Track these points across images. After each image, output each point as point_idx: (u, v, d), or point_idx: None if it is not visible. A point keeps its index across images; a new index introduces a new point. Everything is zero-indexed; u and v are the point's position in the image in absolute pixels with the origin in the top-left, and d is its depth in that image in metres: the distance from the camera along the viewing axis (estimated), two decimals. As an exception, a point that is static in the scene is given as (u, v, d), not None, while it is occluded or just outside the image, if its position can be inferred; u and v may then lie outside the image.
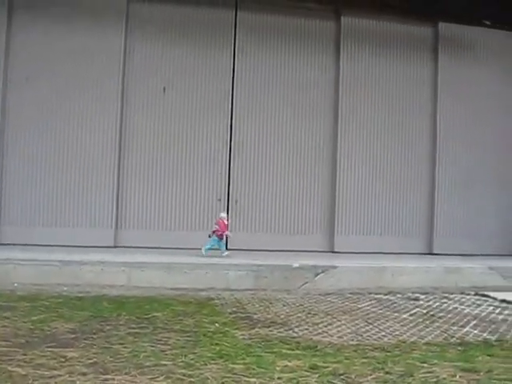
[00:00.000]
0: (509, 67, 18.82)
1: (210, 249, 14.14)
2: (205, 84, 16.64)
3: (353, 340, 7.48)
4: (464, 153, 18.20)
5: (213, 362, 6.07)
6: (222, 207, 16.39)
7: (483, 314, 9.93)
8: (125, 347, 6.55)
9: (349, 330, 8.08)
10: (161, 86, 16.35)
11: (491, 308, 10.56)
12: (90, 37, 15.85)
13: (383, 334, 7.98)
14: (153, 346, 6.66)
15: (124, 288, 11.20)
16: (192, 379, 5.39)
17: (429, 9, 17.69)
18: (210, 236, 14.24)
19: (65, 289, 10.71)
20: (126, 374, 5.51)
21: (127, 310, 8.91)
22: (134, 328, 7.61)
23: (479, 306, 10.80)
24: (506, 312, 10.15)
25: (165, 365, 5.86)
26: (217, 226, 14.38)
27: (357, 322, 8.75)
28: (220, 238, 14.30)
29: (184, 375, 5.51)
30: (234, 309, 9.45)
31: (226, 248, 14.64)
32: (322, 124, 17.45)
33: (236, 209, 16.51)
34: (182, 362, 6.02)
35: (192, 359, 6.14)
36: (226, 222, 14.50)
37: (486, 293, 12.39)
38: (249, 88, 16.88)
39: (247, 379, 5.47)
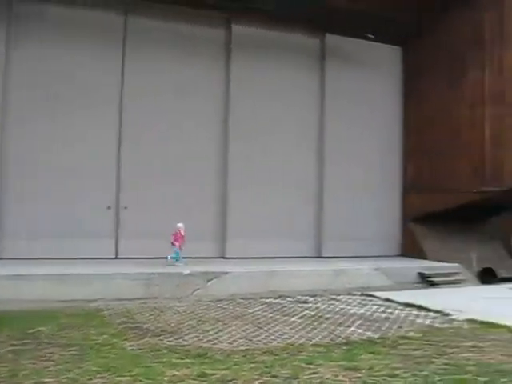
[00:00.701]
0: (389, 79, 19.88)
1: (175, 258, 14.52)
2: (93, 88, 16.14)
3: (242, 345, 7.57)
4: (349, 161, 18.94)
5: (99, 375, 5.93)
6: (112, 214, 16.04)
7: (368, 313, 10.38)
8: (4, 366, 6.22)
9: (239, 336, 8.16)
10: (46, 89, 15.64)
11: (375, 307, 11.05)
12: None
13: (272, 337, 8.13)
14: (34, 364, 6.39)
15: (8, 302, 10.55)
16: (75, 395, 5.24)
17: (318, 20, 18.28)
18: (172, 245, 14.64)
19: None
20: (2, 395, 5.26)
21: (10, 325, 8.50)
22: (15, 345, 7.26)
23: (365, 305, 11.26)
24: (389, 310, 10.66)
25: (46, 382, 5.64)
26: (172, 237, 14.78)
27: (247, 327, 8.86)
28: (177, 247, 14.66)
29: (66, 392, 5.34)
30: (124, 319, 9.28)
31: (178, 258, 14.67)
32: (212, 131, 17.54)
33: (126, 216, 16.18)
34: (66, 378, 5.83)
35: (77, 374, 5.96)
36: (182, 233, 14.80)
37: (371, 293, 12.96)
38: (137, 93, 16.56)
39: (134, 392, 5.40)
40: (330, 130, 18.80)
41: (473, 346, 7.56)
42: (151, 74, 16.78)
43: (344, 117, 18.98)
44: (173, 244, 14.63)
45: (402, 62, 20.14)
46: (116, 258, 15.84)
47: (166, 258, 14.43)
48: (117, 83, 16.45)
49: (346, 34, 19.02)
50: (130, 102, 16.52)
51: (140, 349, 7.19)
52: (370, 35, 19.16)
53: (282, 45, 18.39)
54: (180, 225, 14.86)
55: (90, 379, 5.78)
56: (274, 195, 17.88)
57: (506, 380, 5.85)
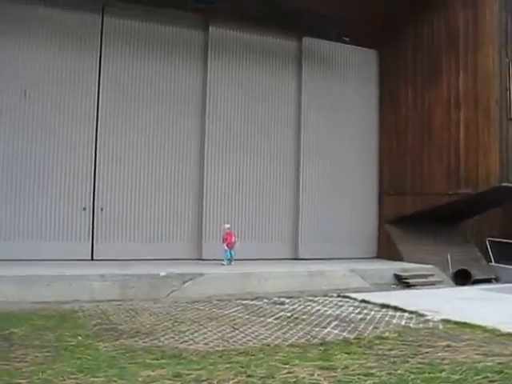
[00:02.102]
0: (366, 82, 20.06)
1: (231, 259, 15.59)
2: (69, 90, 16.01)
3: (218, 346, 7.51)
4: (325, 163, 19.12)
5: (72, 376, 5.83)
6: (87, 216, 15.88)
7: (344, 314, 10.38)
8: (-25, 367, 6.12)
9: (215, 337, 8.11)
10: (21, 89, 15.48)
11: (351, 308, 11.06)
12: None
13: (249, 338, 8.09)
14: (8, 365, 6.27)
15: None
16: (48, 397, 5.16)
17: (294, 23, 18.38)
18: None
19: None
20: (-28, 397, 5.15)
21: (-19, 327, 8.33)
22: (-13, 347, 7.12)
23: (341, 306, 11.28)
24: (365, 311, 10.68)
25: (19, 383, 5.54)
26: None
27: (223, 328, 8.81)
28: (229, 248, 15.63)
29: (39, 393, 5.25)
30: (99, 320, 9.17)
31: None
32: (188, 133, 17.51)
33: (102, 218, 16.04)
34: (39, 379, 5.72)
35: (50, 375, 5.85)
36: (230, 233, 15.75)
37: (347, 294, 12.99)
38: (115, 94, 16.52)
39: (107, 392, 5.33)
40: (306, 133, 18.90)
41: (447, 346, 7.60)
42: (128, 75, 16.76)
43: (321, 120, 19.13)
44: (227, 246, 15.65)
45: (377, 65, 20.37)
46: (92, 259, 15.69)
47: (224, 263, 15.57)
48: (93, 83, 16.32)
49: (323, 37, 19.23)
50: (106, 101, 16.42)
51: (115, 350, 7.10)
52: (345, 38, 19.36)
53: (259, 47, 18.46)
54: (226, 225, 15.92)
55: (64, 380, 5.69)
56: (250, 198, 17.95)
57: (479, 378, 5.90)
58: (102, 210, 16.04)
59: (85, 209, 15.90)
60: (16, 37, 15.46)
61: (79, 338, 7.75)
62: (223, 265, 15.32)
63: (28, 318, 9.12)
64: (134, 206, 16.39)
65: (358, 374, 6.02)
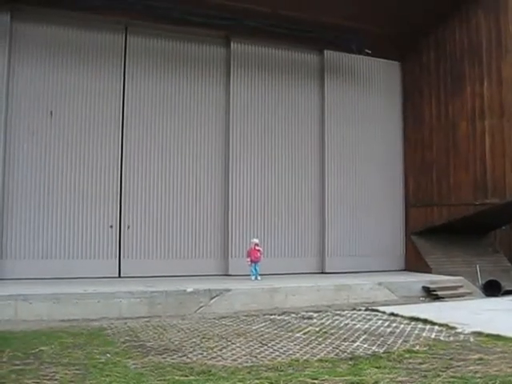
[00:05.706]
0: (389, 94, 20.00)
1: (256, 274, 15.60)
2: (94, 108, 16.22)
3: (247, 362, 7.47)
4: (350, 177, 19.05)
5: (102, 394, 5.87)
6: (114, 234, 16.01)
7: (373, 328, 10.27)
8: (7, 386, 6.18)
9: (243, 352, 8.07)
10: (47, 109, 15.74)
11: (380, 322, 10.95)
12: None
13: (277, 353, 8.03)
14: (38, 383, 6.31)
15: (10, 322, 10.60)
16: (78, 414, 5.17)
17: (316, 37, 18.46)
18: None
19: None
20: (4, 415, 5.19)
21: (12, 345, 8.39)
22: (18, 365, 7.16)
23: (369, 320, 11.17)
24: (394, 325, 10.56)
25: (50, 401, 5.59)
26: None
27: (251, 343, 8.77)
28: (252, 262, 15.64)
29: (70, 411, 5.27)
30: (127, 337, 9.19)
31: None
32: (213, 149, 17.57)
33: (129, 236, 16.16)
34: (69, 396, 5.76)
35: (80, 393, 5.89)
36: (255, 248, 15.67)
37: (376, 307, 12.89)
38: (140, 112, 16.68)
39: (137, 409, 5.32)
40: (330, 146, 18.86)
41: (479, 359, 7.48)
42: (151, 92, 16.92)
43: (344, 133, 19.10)
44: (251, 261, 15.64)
45: (400, 76, 20.33)
46: (119, 276, 15.79)
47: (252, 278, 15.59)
48: (118, 104, 16.52)
49: (345, 50, 19.23)
50: (131, 121, 16.60)
51: (143, 367, 7.11)
52: (367, 51, 19.34)
53: (281, 61, 18.57)
54: (253, 240, 15.87)
55: (94, 397, 5.71)
56: (276, 212, 17.93)
57: (513, 392, 5.79)
58: (128, 227, 16.16)
59: (112, 226, 16.04)
60: (40, 58, 15.75)
61: (108, 355, 7.79)
62: (252, 280, 15.28)
63: (57, 336, 9.19)
64: (160, 223, 16.48)
65: (389, 389, 5.96)
